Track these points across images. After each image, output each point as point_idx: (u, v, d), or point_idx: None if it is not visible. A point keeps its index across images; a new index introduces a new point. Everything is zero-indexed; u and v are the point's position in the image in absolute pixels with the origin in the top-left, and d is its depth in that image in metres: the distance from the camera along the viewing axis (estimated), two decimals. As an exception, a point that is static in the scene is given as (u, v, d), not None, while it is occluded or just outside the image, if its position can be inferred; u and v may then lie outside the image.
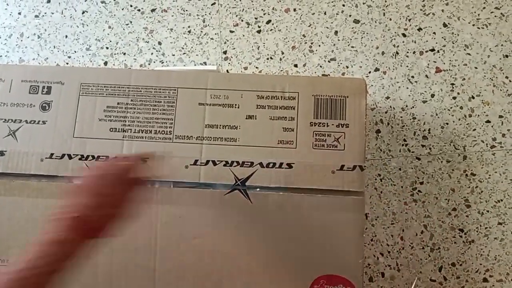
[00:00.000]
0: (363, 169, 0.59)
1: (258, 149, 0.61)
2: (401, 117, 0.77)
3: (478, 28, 0.79)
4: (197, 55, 0.82)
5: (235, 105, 0.63)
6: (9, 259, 0.62)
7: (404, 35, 0.80)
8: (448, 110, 0.77)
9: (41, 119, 0.64)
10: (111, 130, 0.63)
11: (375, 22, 0.81)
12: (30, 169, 0.62)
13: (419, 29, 0.80)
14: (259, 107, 0.63)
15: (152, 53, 0.82)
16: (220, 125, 0.63)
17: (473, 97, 0.77)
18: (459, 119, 0.76)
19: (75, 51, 0.83)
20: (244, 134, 0.62)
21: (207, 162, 0.61)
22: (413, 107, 0.77)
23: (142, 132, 0.63)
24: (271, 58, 0.81)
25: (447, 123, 0.76)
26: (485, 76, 0.77)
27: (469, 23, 0.79)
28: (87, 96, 0.64)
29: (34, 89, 0.65)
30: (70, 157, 0.62)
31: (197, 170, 0.61)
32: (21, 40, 0.84)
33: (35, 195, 0.62)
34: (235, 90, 0.63)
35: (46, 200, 0.61)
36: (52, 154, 0.62)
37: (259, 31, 0.82)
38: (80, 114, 0.64)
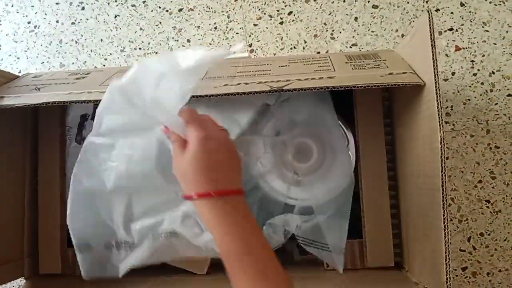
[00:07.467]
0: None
1: (294, 74, 0.58)
2: (424, 96, 0.80)
3: (495, 5, 0.81)
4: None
5: (267, 63, 0.64)
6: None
7: (422, 16, 0.82)
8: (470, 86, 0.79)
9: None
10: None
11: (393, 6, 0.84)
12: None
13: (437, 10, 0.82)
14: (291, 61, 0.64)
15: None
16: (253, 70, 0.62)
17: (493, 73, 0.79)
18: (481, 95, 0.79)
19: (110, 53, 0.89)
20: (278, 70, 0.61)
21: (238, 84, 0.57)
22: (434, 85, 0.80)
23: None
24: (294, 47, 0.85)
25: (469, 99, 0.79)
26: (504, 51, 0.79)
27: (485, 0, 0.81)
28: None
29: None
30: None
31: (228, 87, 0.57)
32: (61, 47, 0.91)
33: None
34: (266, 63, 0.65)
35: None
36: None
37: (281, 23, 0.86)
38: None
